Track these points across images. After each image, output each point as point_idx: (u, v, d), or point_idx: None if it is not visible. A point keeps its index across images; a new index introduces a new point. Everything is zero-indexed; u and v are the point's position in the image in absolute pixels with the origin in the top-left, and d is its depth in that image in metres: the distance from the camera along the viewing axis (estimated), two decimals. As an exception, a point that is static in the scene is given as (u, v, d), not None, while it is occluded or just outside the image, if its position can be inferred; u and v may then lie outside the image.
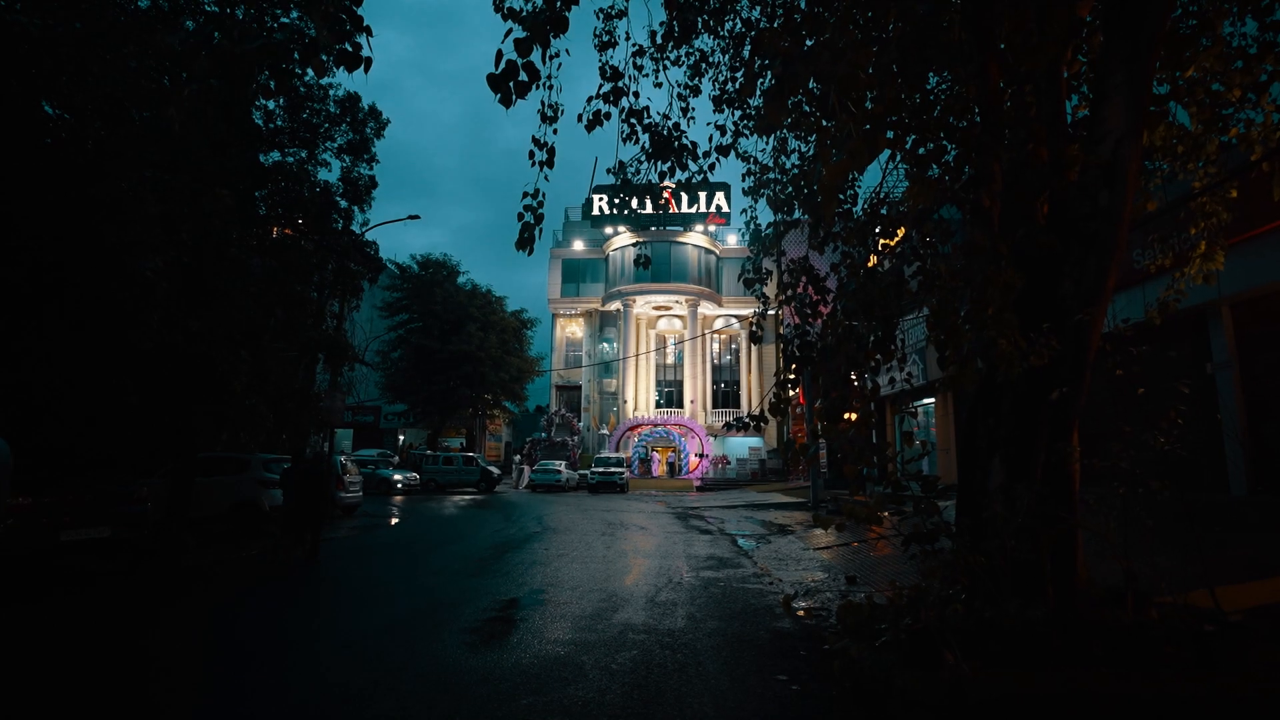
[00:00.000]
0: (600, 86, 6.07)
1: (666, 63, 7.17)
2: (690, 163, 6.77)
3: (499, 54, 4.00)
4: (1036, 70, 4.28)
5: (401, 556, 11.43)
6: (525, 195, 5.34)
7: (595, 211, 42.71)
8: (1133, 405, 4.56)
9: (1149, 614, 3.93)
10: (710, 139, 6.95)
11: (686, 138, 6.69)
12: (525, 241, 5.29)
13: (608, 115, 6.13)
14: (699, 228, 43.08)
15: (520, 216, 5.22)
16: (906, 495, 4.58)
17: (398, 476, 28.56)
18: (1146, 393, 4.81)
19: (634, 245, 42.79)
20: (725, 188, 42.30)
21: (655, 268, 41.77)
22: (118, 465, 9.79)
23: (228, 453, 13.23)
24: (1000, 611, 3.75)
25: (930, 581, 4.22)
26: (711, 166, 7.05)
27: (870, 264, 6.28)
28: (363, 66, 3.73)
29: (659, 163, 6.75)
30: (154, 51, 6.29)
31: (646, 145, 6.65)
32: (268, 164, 11.77)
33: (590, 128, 6.13)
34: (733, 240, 44.97)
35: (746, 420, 6.16)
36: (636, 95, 6.44)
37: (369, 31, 3.71)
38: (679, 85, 7.20)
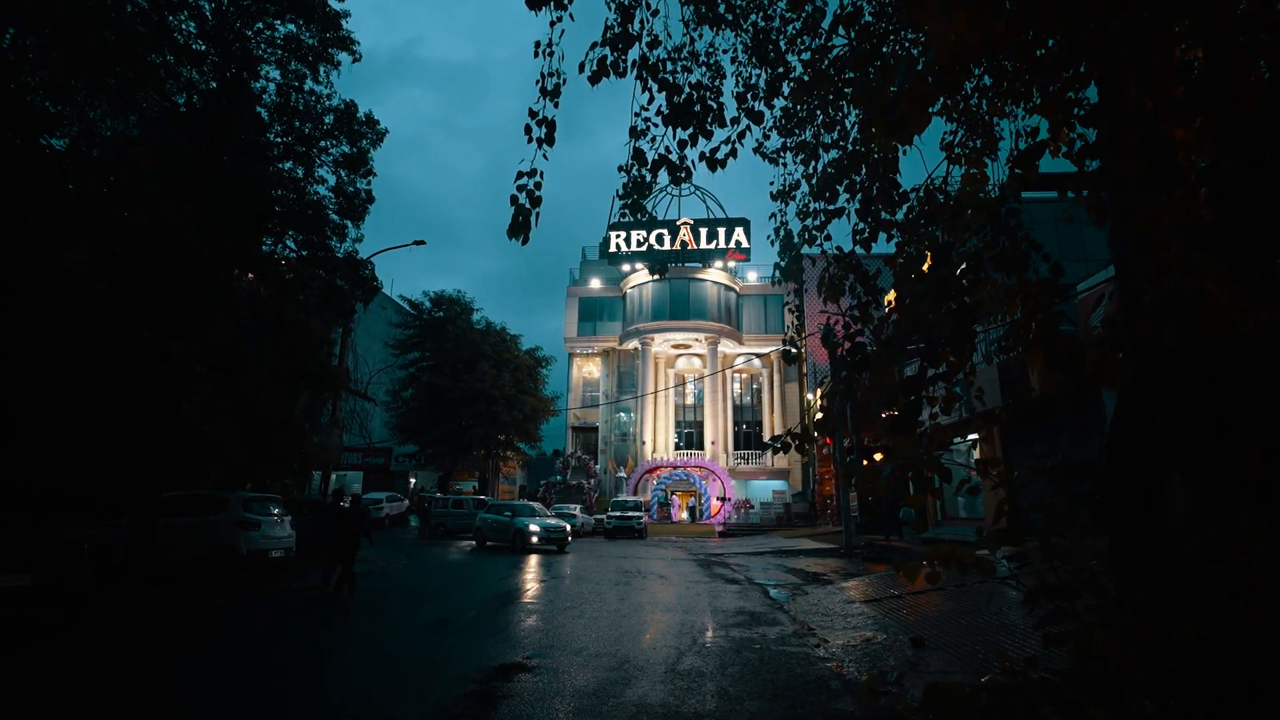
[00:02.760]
0: (606, 31, 5.05)
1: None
2: (716, 129, 5.66)
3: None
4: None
5: (390, 607, 10.16)
6: (520, 175, 4.33)
7: (613, 249, 41.86)
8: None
9: None
10: (739, 98, 5.83)
11: (710, 98, 5.58)
12: (519, 227, 4.22)
13: (613, 65, 5.09)
14: (718, 264, 41.94)
15: (514, 199, 4.21)
16: (1030, 535, 3.25)
17: (534, 527, 19.88)
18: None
19: (653, 281, 41.90)
20: (745, 223, 41.19)
21: (674, 305, 40.78)
22: (69, 505, 8.63)
23: (204, 491, 12.02)
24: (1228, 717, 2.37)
25: (1087, 654, 2.83)
26: (741, 135, 5.92)
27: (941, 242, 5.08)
28: None
29: (678, 129, 5.65)
30: None
31: (663, 107, 5.56)
32: (256, 178, 10.91)
33: (595, 79, 5.07)
34: (753, 277, 43.88)
35: (787, 440, 4.90)
36: (654, 41, 5.39)
37: None
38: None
